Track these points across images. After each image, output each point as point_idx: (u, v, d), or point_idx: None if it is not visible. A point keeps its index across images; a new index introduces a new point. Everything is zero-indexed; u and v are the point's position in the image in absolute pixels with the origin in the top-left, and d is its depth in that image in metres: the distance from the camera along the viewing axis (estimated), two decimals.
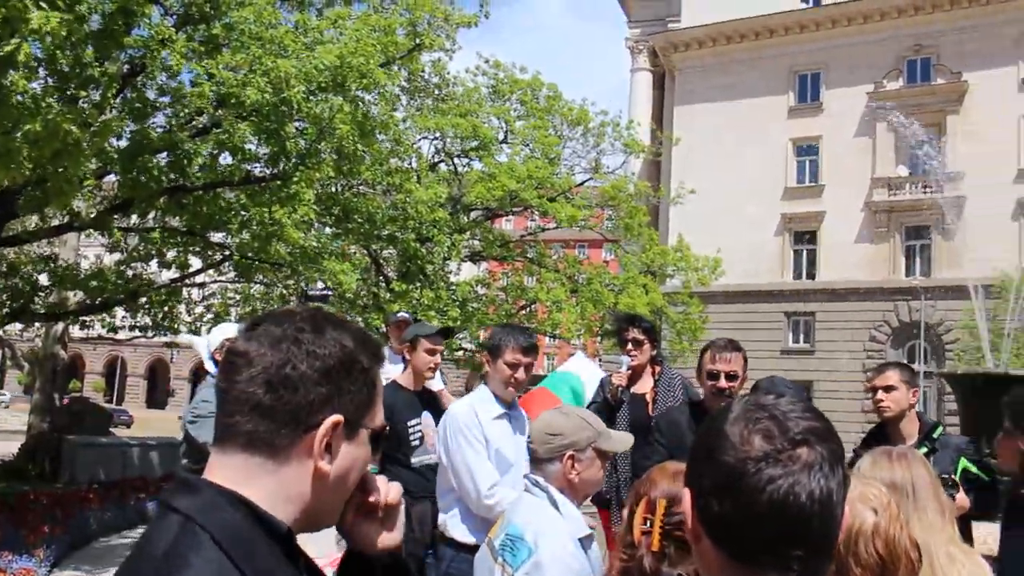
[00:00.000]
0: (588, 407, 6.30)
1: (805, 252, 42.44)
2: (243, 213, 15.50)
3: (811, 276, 42.12)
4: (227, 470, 1.30)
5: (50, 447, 18.39)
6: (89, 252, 26.73)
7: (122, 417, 43.82)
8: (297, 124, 14.85)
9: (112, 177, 15.53)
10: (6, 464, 18.35)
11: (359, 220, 18.84)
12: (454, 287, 21.09)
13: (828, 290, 41.02)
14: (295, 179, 14.36)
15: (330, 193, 17.38)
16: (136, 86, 14.82)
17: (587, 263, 26.58)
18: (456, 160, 23.31)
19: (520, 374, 4.53)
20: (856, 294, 40.31)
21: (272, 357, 1.30)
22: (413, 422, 5.20)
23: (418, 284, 20.01)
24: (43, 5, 8.66)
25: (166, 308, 18.41)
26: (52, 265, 17.37)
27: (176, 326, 19.19)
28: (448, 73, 23.17)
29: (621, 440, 3.32)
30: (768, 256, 42.00)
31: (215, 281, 20.70)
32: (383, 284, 22.00)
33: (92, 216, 15.51)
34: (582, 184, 24.66)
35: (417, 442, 5.19)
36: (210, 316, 20.99)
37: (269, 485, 1.29)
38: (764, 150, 42.17)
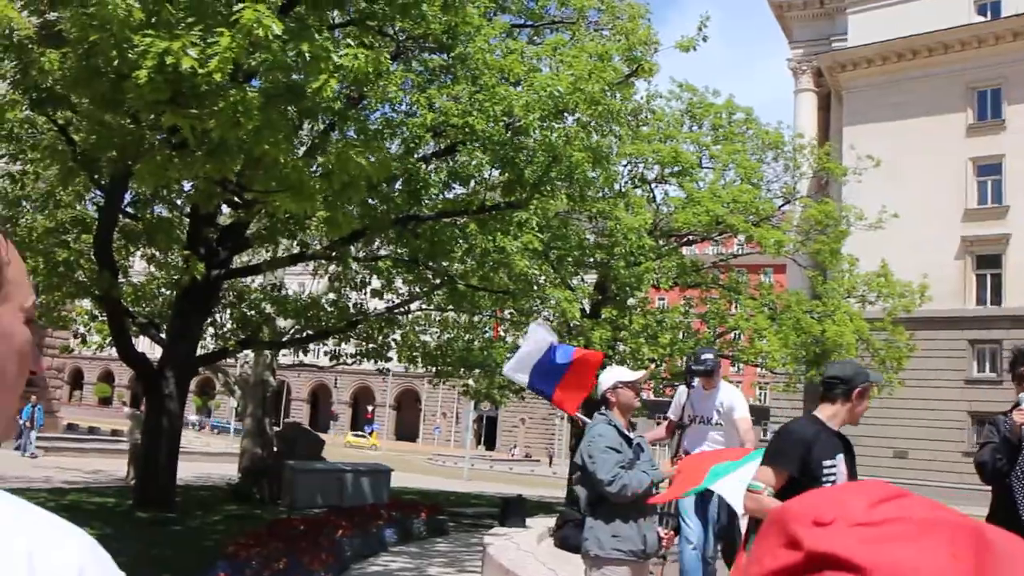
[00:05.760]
0: (982, 447, 5.90)
1: (989, 277, 40.47)
2: (464, 242, 15.57)
3: (996, 302, 40.10)
4: None
5: (272, 472, 18.85)
6: (290, 281, 27.42)
7: None
8: (523, 152, 14.82)
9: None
10: (233, 487, 18.90)
11: (568, 247, 18.74)
12: (662, 314, 20.76)
13: (1016, 316, 38.95)
14: (531, 207, 14.34)
15: (549, 222, 17.32)
16: (356, 117, 15.07)
17: (778, 288, 25.90)
18: (652, 186, 23.06)
19: None
20: None
21: None
22: (829, 463, 4.91)
23: (627, 311, 19.78)
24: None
25: (382, 336, 18.67)
26: (277, 295, 17.84)
27: (387, 353, 19.44)
28: (640, 98, 22.94)
29: None
30: (948, 281, 40.11)
31: (421, 310, 20.87)
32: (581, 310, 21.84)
33: (324, 246, 15.83)
34: (781, 208, 24.08)
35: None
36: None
37: None
38: (941, 170, 40.43)
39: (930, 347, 38.21)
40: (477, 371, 21.94)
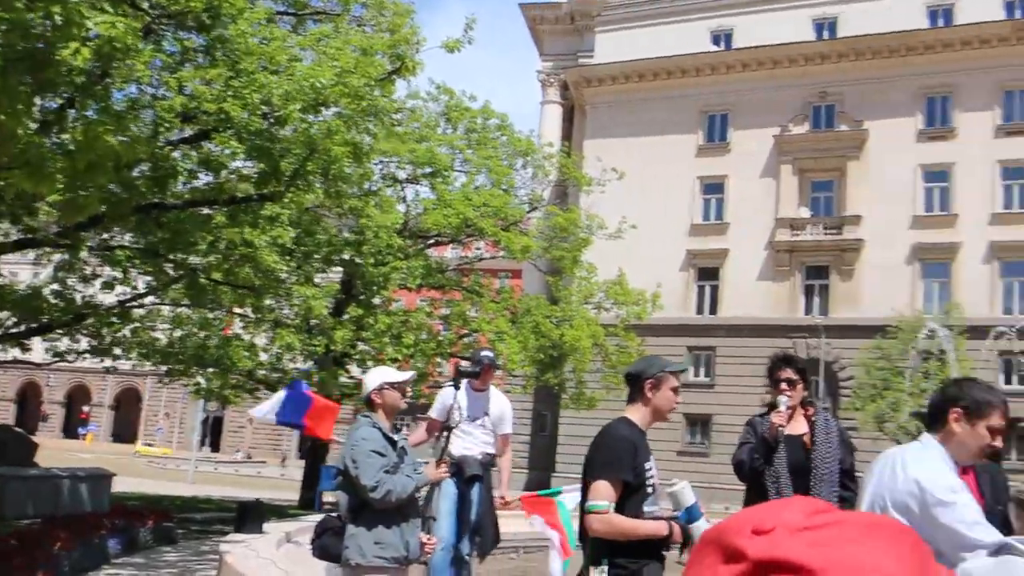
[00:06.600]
0: (740, 447, 6.14)
1: (708, 288, 43.37)
2: (210, 234, 14.72)
3: (713, 312, 43.05)
4: None
5: None
6: (3, 269, 25.01)
7: None
8: (280, 143, 14.19)
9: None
10: None
11: (316, 243, 18.22)
12: (406, 315, 20.61)
13: (729, 326, 41.95)
14: (285, 200, 13.75)
15: (301, 217, 16.74)
16: (100, 94, 13.94)
17: (518, 293, 26.43)
18: (403, 185, 22.89)
19: None
20: (756, 330, 41.22)
21: None
22: (648, 465, 4.75)
23: (372, 310, 19.49)
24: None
25: (109, 331, 17.39)
26: None
27: (116, 350, 18.14)
28: (400, 97, 22.70)
29: None
30: (674, 292, 42.59)
31: (154, 304, 19.61)
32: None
33: (55, 232, 14.48)
34: (530, 214, 24.58)
35: (651, 490, 4.73)
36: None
37: None
38: (672, 186, 43.03)
39: (656, 352, 40.06)
40: (210, 370, 20.93)
